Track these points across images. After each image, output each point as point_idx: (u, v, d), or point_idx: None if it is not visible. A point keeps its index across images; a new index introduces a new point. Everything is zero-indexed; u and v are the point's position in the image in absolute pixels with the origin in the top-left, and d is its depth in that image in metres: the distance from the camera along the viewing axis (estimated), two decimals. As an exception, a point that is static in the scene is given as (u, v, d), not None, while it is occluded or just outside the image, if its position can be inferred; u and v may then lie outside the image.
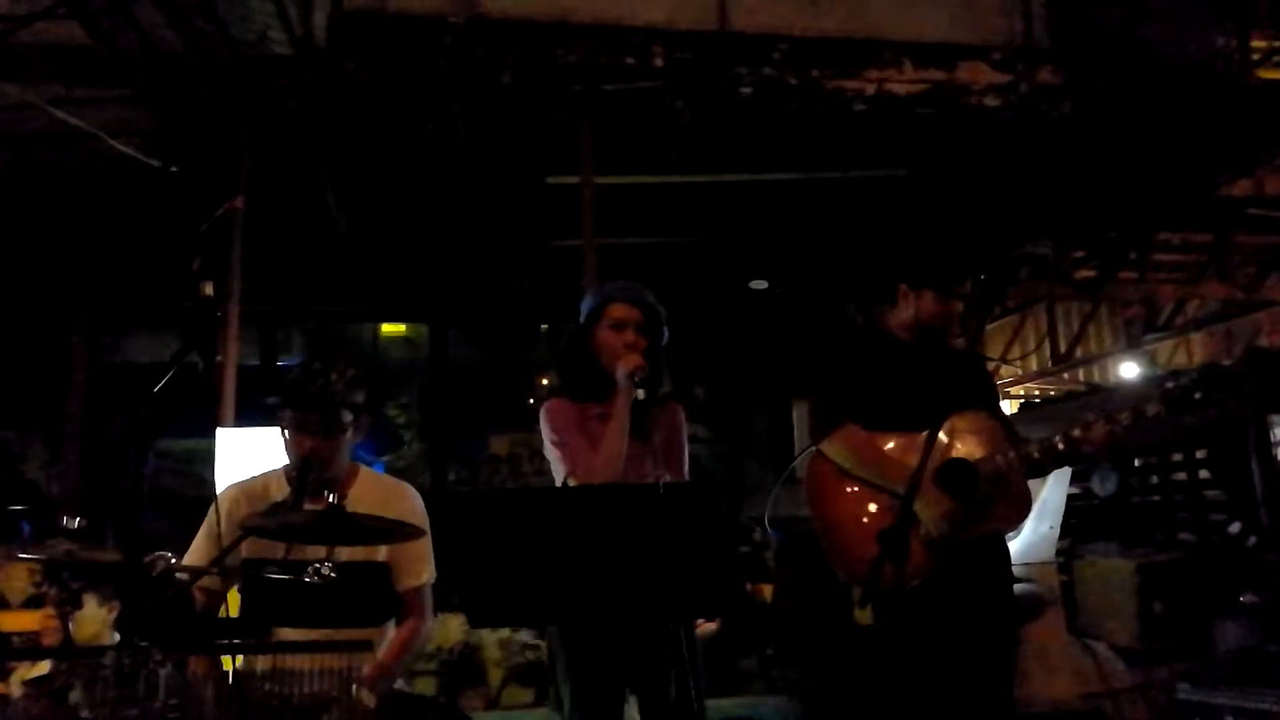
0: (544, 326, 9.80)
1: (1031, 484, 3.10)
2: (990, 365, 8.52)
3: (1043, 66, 5.69)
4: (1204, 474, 6.16)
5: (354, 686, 2.35)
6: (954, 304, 2.92)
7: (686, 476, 2.88)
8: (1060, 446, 2.65)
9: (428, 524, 2.67)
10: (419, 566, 2.67)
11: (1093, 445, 2.63)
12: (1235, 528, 5.25)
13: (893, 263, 3.07)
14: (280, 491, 2.60)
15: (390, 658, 2.58)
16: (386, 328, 10.62)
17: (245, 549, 2.37)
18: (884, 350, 2.96)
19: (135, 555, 1.93)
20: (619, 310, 2.77)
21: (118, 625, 1.99)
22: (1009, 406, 8.59)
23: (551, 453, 2.76)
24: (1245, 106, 5.97)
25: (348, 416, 2.58)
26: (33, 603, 4.88)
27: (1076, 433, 2.64)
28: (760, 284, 8.74)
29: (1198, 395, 2.54)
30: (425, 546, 2.65)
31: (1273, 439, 4.98)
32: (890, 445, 2.77)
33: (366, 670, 2.44)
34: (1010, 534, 3.49)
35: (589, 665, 2.60)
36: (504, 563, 2.00)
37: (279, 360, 9.37)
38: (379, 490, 2.70)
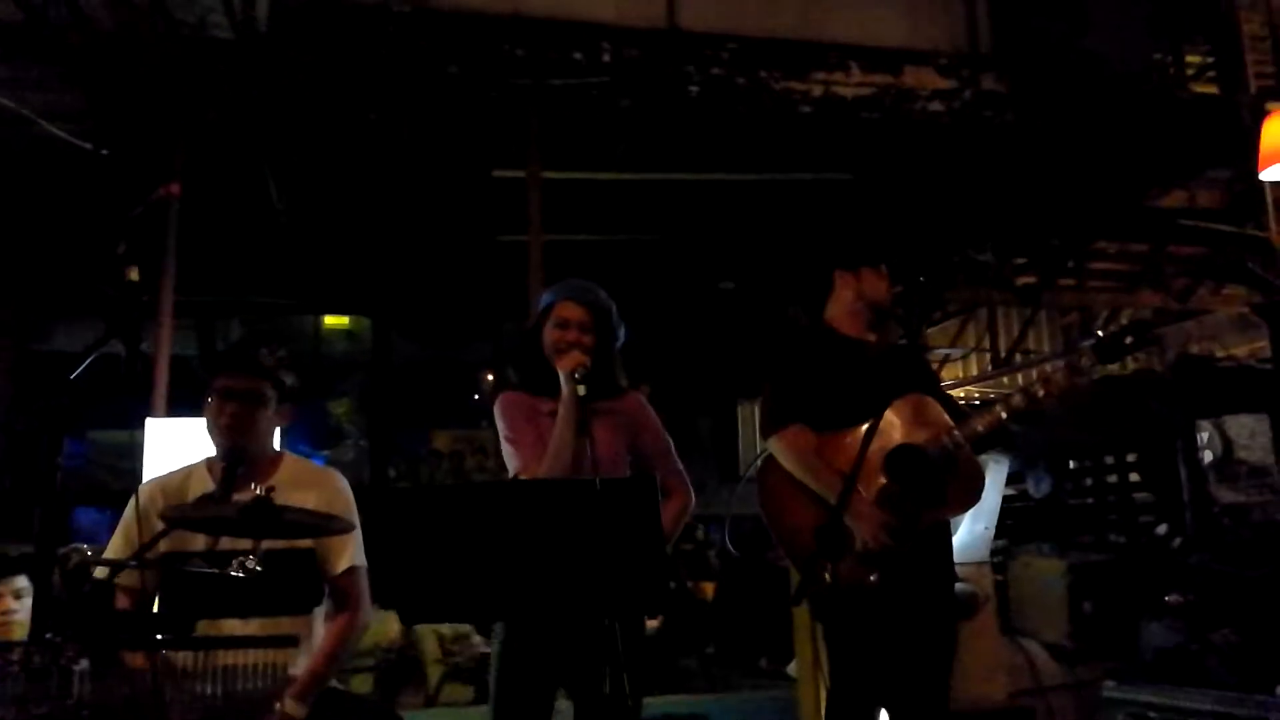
0: (486, 322, 9.72)
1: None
2: (935, 364, 8.64)
3: (987, 74, 5.79)
4: (1134, 477, 6.32)
5: (280, 702, 2.30)
6: (887, 278, 2.93)
7: (673, 460, 2.86)
8: (1003, 415, 2.64)
9: (355, 510, 2.63)
10: (348, 550, 2.59)
11: (1037, 404, 2.62)
12: (1162, 529, 5.38)
13: (825, 256, 3.09)
14: (201, 485, 2.53)
15: (323, 660, 2.49)
16: (329, 320, 10.46)
17: (165, 543, 2.30)
18: (828, 347, 2.97)
19: (48, 548, 1.87)
20: (564, 309, 2.76)
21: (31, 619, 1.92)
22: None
23: (505, 449, 2.76)
24: (1180, 119, 6.12)
25: (270, 391, 2.55)
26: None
27: (1017, 398, 2.64)
28: (729, 284, 8.75)
29: (1128, 340, 2.57)
30: (354, 533, 2.60)
31: (1199, 444, 5.12)
32: (836, 444, 2.76)
33: (297, 680, 2.38)
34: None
35: (518, 662, 2.58)
36: (436, 558, 1.97)
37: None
38: (303, 476, 2.64)
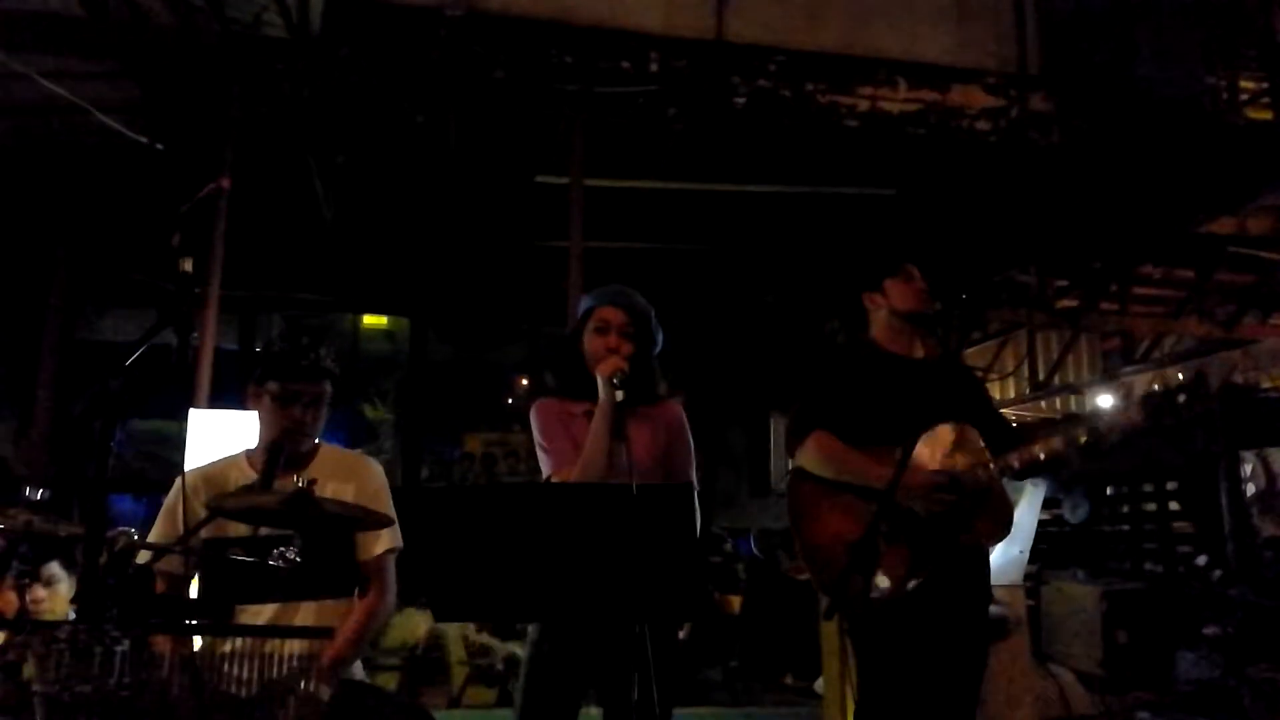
0: (523, 327, 9.77)
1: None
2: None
3: (1034, 94, 5.74)
4: (1173, 505, 6.21)
5: (311, 680, 2.32)
6: (916, 278, 2.91)
7: (692, 477, 2.80)
8: (1040, 456, 2.64)
9: (389, 494, 2.67)
10: (382, 535, 2.62)
11: (1075, 452, 2.61)
12: (1201, 560, 5.29)
13: (850, 284, 3.07)
14: (241, 476, 2.57)
15: (348, 640, 2.53)
16: (368, 319, 10.58)
17: (206, 529, 2.34)
18: (868, 364, 2.94)
19: (96, 529, 1.90)
20: (604, 313, 2.77)
21: (76, 600, 1.95)
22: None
23: (540, 454, 2.77)
24: (1232, 145, 6.03)
25: (329, 390, 2.61)
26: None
27: (1057, 442, 2.64)
28: (770, 297, 8.75)
29: (1181, 398, 2.53)
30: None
31: (1242, 474, 5.02)
32: (874, 457, 2.73)
33: (324, 657, 2.41)
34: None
35: (549, 665, 2.59)
36: (472, 557, 1.98)
37: (257, 346, 9.31)
38: (341, 464, 2.68)
